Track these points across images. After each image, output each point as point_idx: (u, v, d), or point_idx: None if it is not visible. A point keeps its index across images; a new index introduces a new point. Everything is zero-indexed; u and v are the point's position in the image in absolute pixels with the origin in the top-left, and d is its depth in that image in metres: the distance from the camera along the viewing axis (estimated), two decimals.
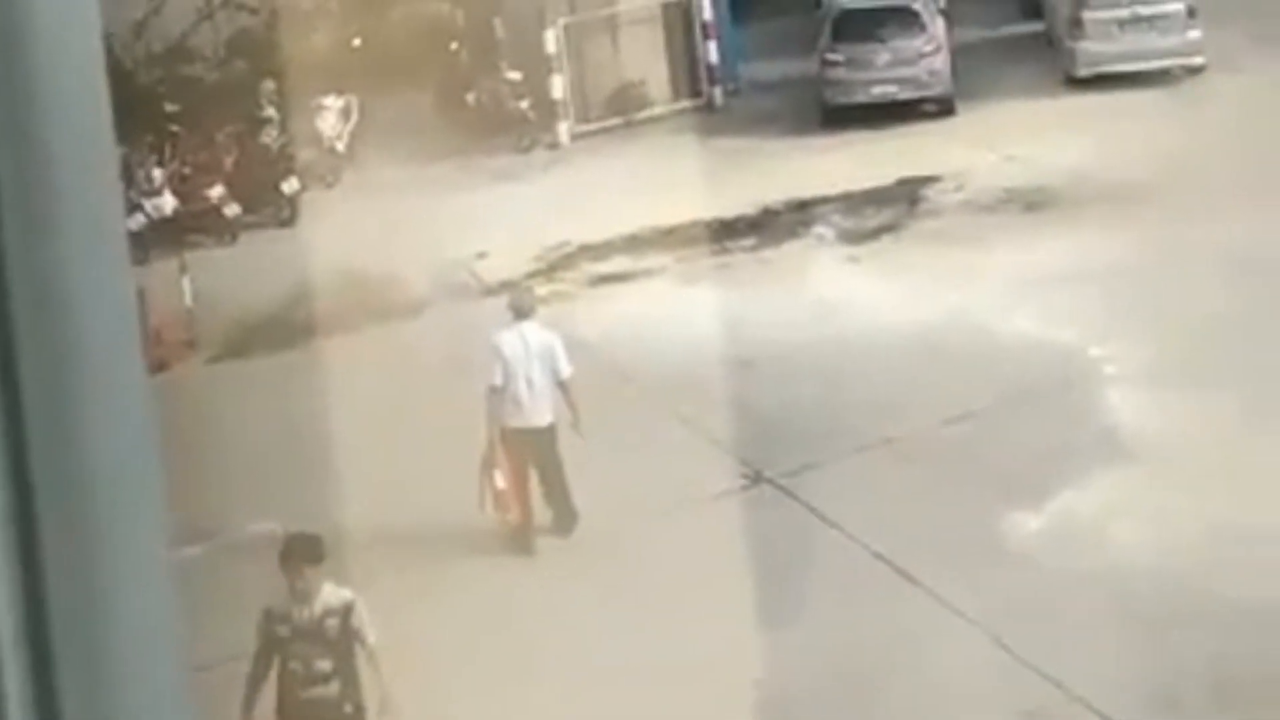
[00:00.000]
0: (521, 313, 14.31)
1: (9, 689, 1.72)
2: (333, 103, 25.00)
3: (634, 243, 21.02)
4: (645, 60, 26.33)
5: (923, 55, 24.81)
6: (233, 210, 22.90)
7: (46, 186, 1.71)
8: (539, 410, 13.92)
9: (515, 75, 25.71)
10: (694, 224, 21.26)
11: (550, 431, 13.95)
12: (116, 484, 1.73)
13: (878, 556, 13.35)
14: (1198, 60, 25.02)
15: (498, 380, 13.83)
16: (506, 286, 20.04)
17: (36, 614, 1.71)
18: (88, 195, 1.73)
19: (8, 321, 1.71)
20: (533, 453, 13.98)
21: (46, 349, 1.71)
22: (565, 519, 14.13)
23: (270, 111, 24.17)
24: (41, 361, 1.71)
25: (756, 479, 14.80)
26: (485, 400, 13.93)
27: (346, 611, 10.64)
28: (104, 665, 1.73)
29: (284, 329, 19.12)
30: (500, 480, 13.83)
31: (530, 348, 13.95)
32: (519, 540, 13.99)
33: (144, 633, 1.75)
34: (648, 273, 20.21)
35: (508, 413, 13.86)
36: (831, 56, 24.99)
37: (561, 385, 13.96)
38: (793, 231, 21.04)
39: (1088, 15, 25.28)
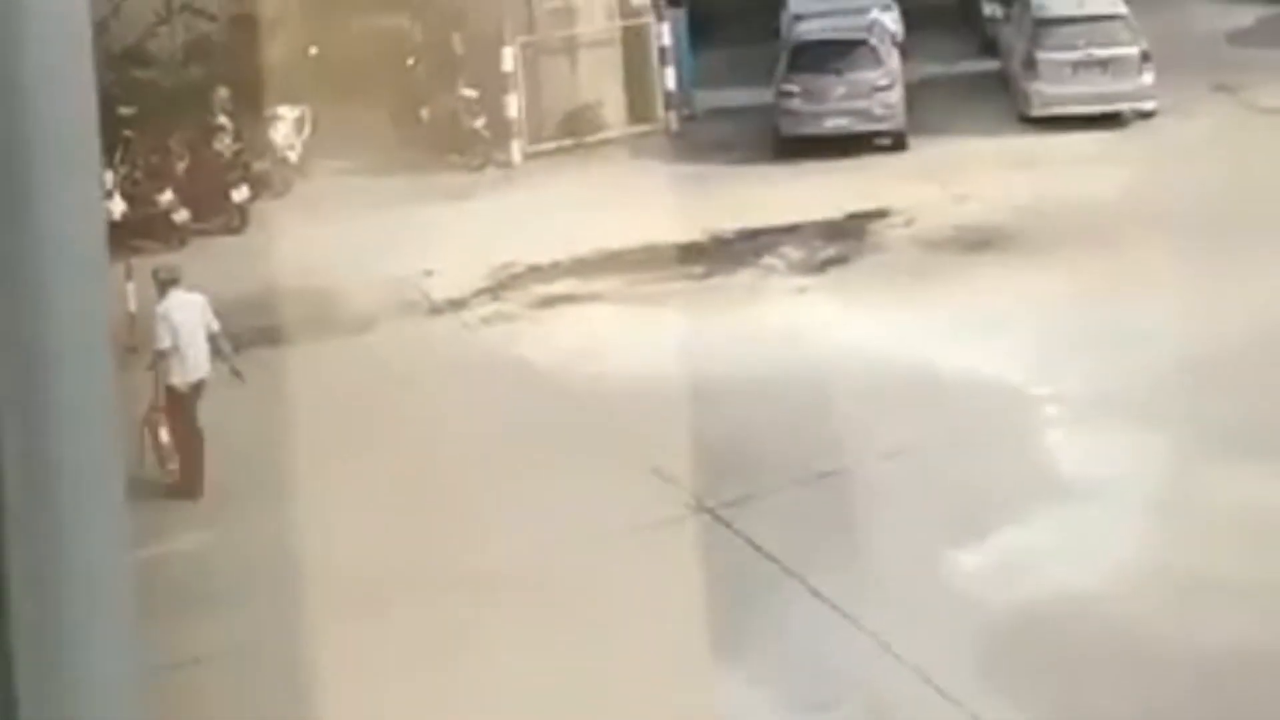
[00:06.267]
0: (168, 284, 15.85)
1: None
2: (287, 113, 24.93)
3: (582, 265, 21.02)
4: (602, 83, 26.36)
5: (877, 89, 24.92)
6: (182, 216, 22.80)
7: (28, 181, 1.72)
8: (200, 366, 15.59)
9: (471, 93, 25.69)
10: (644, 249, 21.29)
11: (204, 385, 15.60)
12: (81, 481, 1.74)
13: (814, 593, 13.37)
14: (1150, 104, 25.21)
15: (165, 344, 15.39)
16: (454, 305, 20.07)
17: None
18: (70, 191, 1.75)
19: None
20: (193, 405, 15.47)
21: (20, 345, 1.72)
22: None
23: (224, 119, 24.09)
24: (11, 356, 1.72)
25: (697, 508, 14.81)
26: (153, 363, 15.35)
27: None
28: (62, 667, 1.73)
29: (228, 338, 18.99)
30: (164, 435, 15.27)
31: (188, 311, 15.58)
32: (183, 489, 15.20)
33: (103, 632, 1.75)
34: (595, 296, 20.21)
35: (175, 371, 15.38)
36: (787, 87, 25.07)
37: (213, 338, 15.69)
38: (743, 260, 21.08)
39: (1042, 56, 25.45)
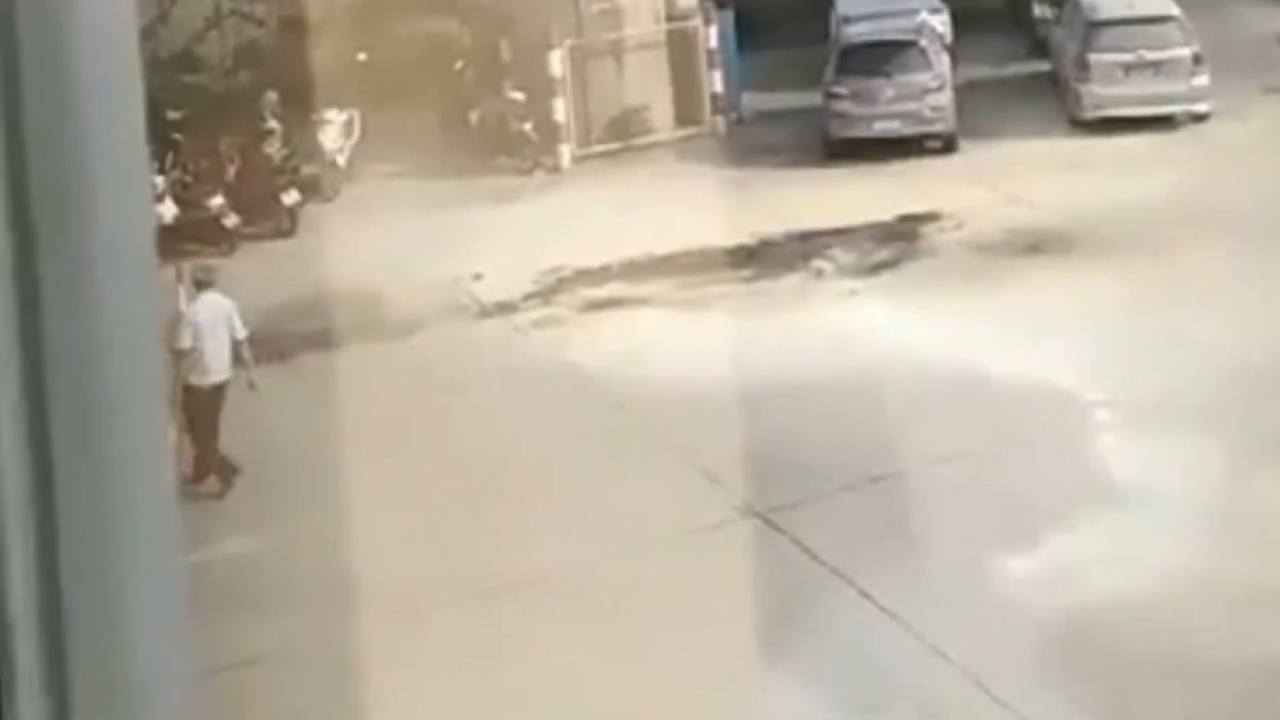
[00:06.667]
0: (203, 285, 16.17)
1: (21, 693, 1.73)
2: (335, 117, 24.99)
3: (632, 269, 20.99)
4: (649, 86, 26.33)
5: (927, 91, 24.81)
6: (232, 220, 22.86)
7: (80, 187, 1.74)
8: (218, 368, 15.75)
9: (519, 96, 25.70)
10: (693, 252, 21.24)
11: (226, 387, 15.79)
12: (133, 483, 1.76)
13: (865, 596, 13.29)
14: (1202, 107, 25.03)
15: (186, 343, 15.48)
16: (503, 308, 20.06)
17: (52, 614, 1.73)
18: (119, 196, 1.76)
19: (39, 319, 1.73)
20: (214, 406, 15.68)
21: (72, 348, 1.74)
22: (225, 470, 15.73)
23: (273, 123, 24.16)
24: (66, 362, 1.74)
25: (747, 513, 14.74)
26: (174, 361, 15.26)
27: None
28: (117, 667, 1.75)
29: (276, 342, 19.04)
30: (172, 434, 14.89)
31: (214, 314, 15.84)
32: (190, 489, 15.01)
33: (157, 635, 1.77)
34: (644, 300, 20.17)
35: (195, 370, 15.53)
36: (836, 89, 24.99)
37: (238, 344, 15.85)
38: (792, 264, 21.01)
39: (1094, 58, 25.29)
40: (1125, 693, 11.93)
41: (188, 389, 15.59)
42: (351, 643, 12.67)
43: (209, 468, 15.68)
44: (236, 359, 15.93)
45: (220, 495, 15.54)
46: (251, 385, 15.92)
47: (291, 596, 13.60)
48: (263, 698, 12.52)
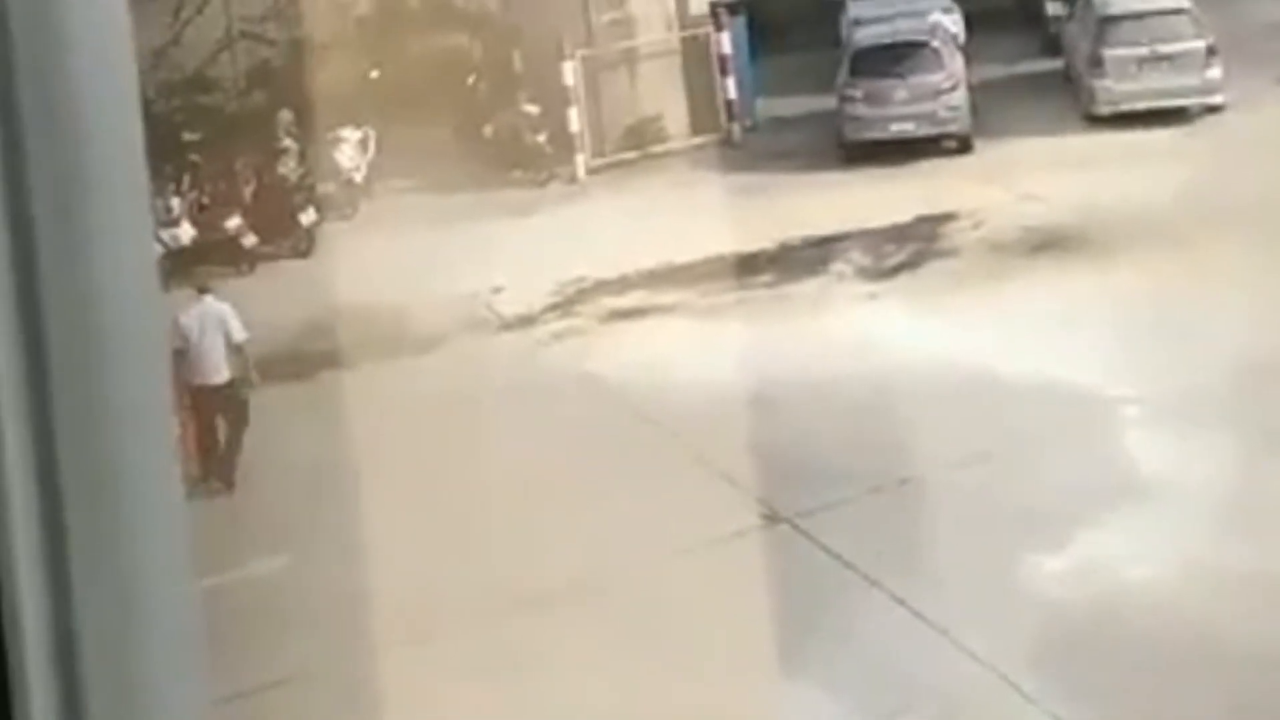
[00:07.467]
0: (202, 292, 16.84)
1: (33, 689, 1.73)
2: (350, 134, 25.01)
3: (651, 278, 20.98)
4: (663, 94, 26.32)
5: (941, 92, 24.78)
6: (250, 241, 22.89)
7: (80, 211, 1.74)
8: (209, 370, 16.19)
9: (533, 108, 25.71)
10: (712, 260, 21.23)
11: (229, 387, 16.31)
12: (144, 508, 1.76)
13: (896, 599, 13.27)
14: (1217, 99, 24.98)
15: (178, 344, 15.81)
16: (524, 321, 20.07)
17: (65, 640, 1.73)
18: (119, 220, 1.76)
19: (42, 346, 1.73)
20: (216, 405, 16.24)
21: (78, 376, 1.74)
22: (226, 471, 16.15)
23: (288, 142, 24.19)
24: (74, 389, 1.74)
25: (773, 519, 14.73)
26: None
27: None
28: (133, 691, 1.75)
29: (297, 361, 19.07)
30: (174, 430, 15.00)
31: (206, 318, 16.35)
32: (193, 487, 15.28)
33: (172, 660, 1.77)
34: (665, 309, 20.17)
35: (189, 371, 15.93)
36: (850, 92, 24.97)
37: (236, 348, 16.34)
38: (811, 268, 20.99)
39: (1108, 53, 25.25)
40: (1158, 690, 11.89)
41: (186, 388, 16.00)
42: (371, 661, 12.67)
43: (208, 468, 16.06)
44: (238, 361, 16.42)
45: (217, 494, 15.83)
46: (251, 383, 16.46)
47: (309, 613, 13.59)
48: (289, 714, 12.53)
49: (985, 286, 19.57)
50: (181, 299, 19.17)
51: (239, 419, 16.48)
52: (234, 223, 22.93)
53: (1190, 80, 25.00)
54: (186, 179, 23.50)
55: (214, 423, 16.34)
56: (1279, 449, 14.89)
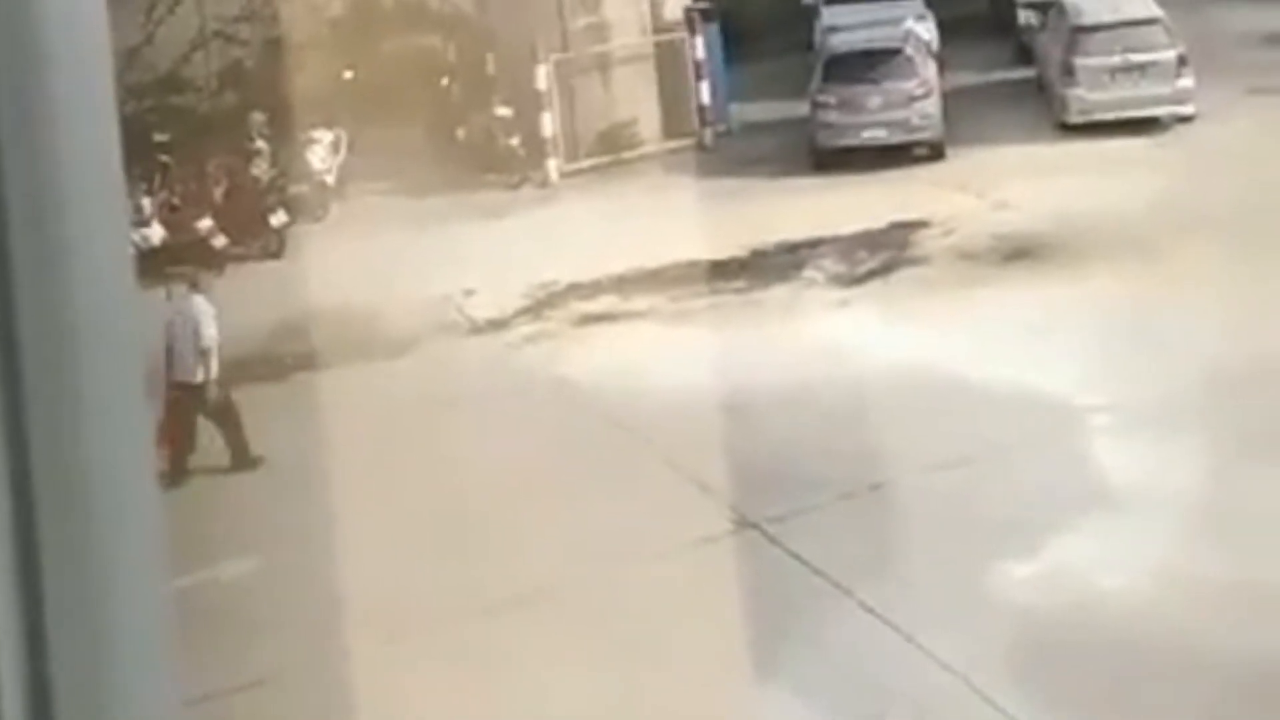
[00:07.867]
0: (194, 288, 17.01)
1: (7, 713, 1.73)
2: (323, 136, 24.97)
3: (622, 283, 20.97)
4: (637, 99, 26.32)
5: (914, 99, 24.82)
6: (220, 242, 22.83)
7: (55, 212, 1.73)
8: (180, 369, 16.34)
9: (506, 112, 25.69)
10: (684, 265, 21.23)
11: (203, 388, 16.34)
12: (118, 511, 1.76)
13: (865, 608, 13.27)
14: (1188, 109, 25.08)
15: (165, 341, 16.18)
16: (495, 325, 20.04)
17: (36, 640, 1.73)
18: (95, 220, 1.76)
19: (15, 348, 1.72)
20: (194, 404, 16.34)
21: (53, 378, 1.73)
22: (244, 460, 16.33)
23: (260, 143, 24.14)
24: (47, 387, 1.73)
25: (743, 524, 14.72)
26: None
27: None
28: (103, 692, 1.74)
29: (267, 363, 19.02)
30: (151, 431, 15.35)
31: (187, 319, 16.52)
32: (169, 476, 15.47)
33: (143, 661, 1.76)
34: (636, 313, 20.16)
35: (174, 369, 16.24)
36: (822, 99, 24.99)
37: (203, 352, 16.38)
38: (783, 274, 21.00)
39: (1080, 62, 25.32)
40: (1131, 699, 11.90)
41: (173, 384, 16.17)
42: (345, 663, 12.63)
43: (180, 463, 16.12)
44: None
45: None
46: (217, 387, 16.45)
47: (282, 615, 13.55)
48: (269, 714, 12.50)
49: (957, 293, 19.60)
50: (153, 299, 19.23)
51: (228, 417, 16.53)
52: (205, 224, 22.87)
53: (1162, 90, 25.09)
54: (157, 179, 23.43)
55: (189, 419, 16.33)
56: (1252, 456, 14.91)
